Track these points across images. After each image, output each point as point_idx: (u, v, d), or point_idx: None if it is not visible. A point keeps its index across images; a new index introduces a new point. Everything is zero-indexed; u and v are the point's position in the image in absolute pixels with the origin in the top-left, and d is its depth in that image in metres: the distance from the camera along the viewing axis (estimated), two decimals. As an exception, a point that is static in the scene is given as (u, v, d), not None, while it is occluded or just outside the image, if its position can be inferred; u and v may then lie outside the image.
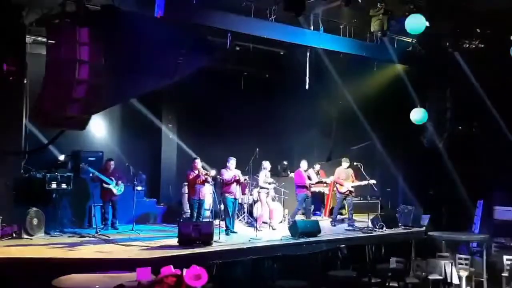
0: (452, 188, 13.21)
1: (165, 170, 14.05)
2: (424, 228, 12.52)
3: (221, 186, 11.40)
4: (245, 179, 11.78)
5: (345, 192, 12.80)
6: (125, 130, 13.32)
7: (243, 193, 12.58)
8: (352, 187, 12.82)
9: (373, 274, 9.80)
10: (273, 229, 12.00)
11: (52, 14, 9.90)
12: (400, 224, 12.67)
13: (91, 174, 11.44)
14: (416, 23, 10.95)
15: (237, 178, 11.37)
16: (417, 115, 13.32)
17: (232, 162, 11.44)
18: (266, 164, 12.26)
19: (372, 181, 12.72)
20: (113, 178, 11.52)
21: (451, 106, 13.82)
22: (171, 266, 7.07)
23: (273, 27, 11.22)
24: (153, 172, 13.84)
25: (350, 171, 12.91)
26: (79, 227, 11.59)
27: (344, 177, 12.88)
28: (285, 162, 14.25)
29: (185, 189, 12.41)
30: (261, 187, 12.20)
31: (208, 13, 10.49)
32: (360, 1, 10.65)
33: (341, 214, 13.71)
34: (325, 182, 13.76)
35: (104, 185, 11.46)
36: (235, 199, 11.49)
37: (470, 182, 13.05)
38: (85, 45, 9.23)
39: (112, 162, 11.72)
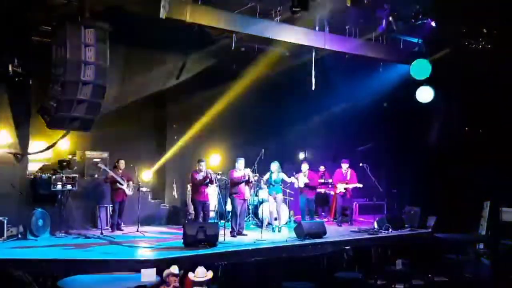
0: (459, 189, 13.13)
1: (170, 171, 14.02)
2: (430, 230, 12.45)
3: (229, 187, 11.34)
4: (255, 175, 11.70)
5: (339, 193, 13.09)
6: (130, 130, 13.29)
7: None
8: (344, 188, 13.06)
9: (379, 276, 9.75)
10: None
11: (58, 15, 9.90)
12: (406, 225, 12.62)
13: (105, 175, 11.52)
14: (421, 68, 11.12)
15: (247, 178, 11.30)
16: (424, 93, 13.23)
17: (240, 162, 11.38)
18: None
19: (359, 185, 13.06)
20: (124, 178, 11.55)
21: (458, 106, 13.74)
22: (176, 267, 7.10)
23: (278, 27, 11.19)
24: (158, 173, 13.81)
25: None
26: (84, 228, 11.59)
27: (341, 179, 13.13)
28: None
29: (190, 190, 12.37)
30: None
31: (213, 13, 10.46)
32: (366, 1, 10.61)
33: (346, 215, 13.67)
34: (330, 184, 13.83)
35: (118, 185, 11.48)
36: (244, 200, 11.42)
37: (477, 183, 12.96)
38: (90, 46, 9.26)
39: (123, 161, 11.73)
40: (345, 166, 13.23)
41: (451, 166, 13.34)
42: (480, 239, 12.59)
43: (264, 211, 12.44)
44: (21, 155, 10.66)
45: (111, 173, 11.40)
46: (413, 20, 11.45)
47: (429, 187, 13.77)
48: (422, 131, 14.12)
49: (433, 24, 11.56)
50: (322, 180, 14.13)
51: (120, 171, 11.64)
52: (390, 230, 11.94)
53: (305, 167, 12.71)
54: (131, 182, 11.73)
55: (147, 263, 8.16)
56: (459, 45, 12.60)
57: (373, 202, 13.74)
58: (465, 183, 13.04)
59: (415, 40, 13.09)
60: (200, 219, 11.15)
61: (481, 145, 13.13)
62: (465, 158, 13.10)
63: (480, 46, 12.72)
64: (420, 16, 11.38)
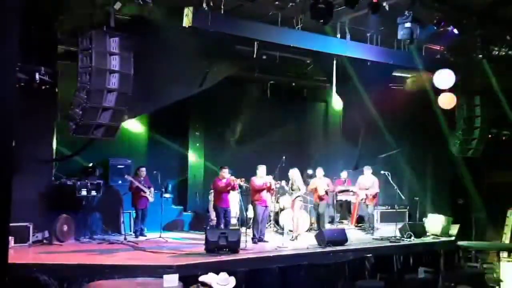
0: (482, 196, 13.01)
1: (192, 178, 14.13)
2: (453, 238, 12.34)
3: (250, 194, 11.38)
4: (277, 182, 11.71)
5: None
6: (153, 138, 13.46)
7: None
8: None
9: (400, 284, 9.69)
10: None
11: (83, 25, 10.11)
12: (428, 233, 12.52)
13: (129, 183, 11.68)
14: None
15: (268, 185, 11.34)
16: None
17: (261, 169, 11.37)
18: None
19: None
20: (146, 185, 11.70)
21: (481, 113, 13.62)
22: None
23: (299, 35, 11.24)
24: (180, 180, 13.93)
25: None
26: (107, 234, 11.75)
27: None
28: (309, 171, 14.11)
29: (212, 197, 12.45)
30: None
31: (235, 22, 10.56)
32: (387, 9, 10.60)
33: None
34: (352, 191, 13.74)
35: (142, 193, 11.62)
36: (265, 206, 11.46)
37: (500, 191, 12.82)
38: (115, 54, 9.43)
39: (144, 169, 11.87)
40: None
41: (474, 173, 13.22)
42: (503, 248, 12.43)
43: (285, 219, 12.46)
44: (47, 161, 10.87)
45: (136, 183, 11.57)
46: (435, 28, 11.39)
47: (452, 194, 13.67)
48: (445, 138, 14.01)
49: (455, 31, 11.49)
50: (343, 188, 14.07)
51: (142, 178, 11.78)
52: (412, 238, 11.85)
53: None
54: (152, 189, 11.85)
55: (169, 269, 8.24)
56: (482, 52, 12.51)
57: (396, 210, 13.66)
58: (489, 191, 12.91)
59: (437, 47, 13.03)
60: (222, 226, 11.22)
61: (504, 152, 13.00)
62: (488, 165, 12.98)
63: (503, 53, 12.63)
64: (442, 23, 11.32)
